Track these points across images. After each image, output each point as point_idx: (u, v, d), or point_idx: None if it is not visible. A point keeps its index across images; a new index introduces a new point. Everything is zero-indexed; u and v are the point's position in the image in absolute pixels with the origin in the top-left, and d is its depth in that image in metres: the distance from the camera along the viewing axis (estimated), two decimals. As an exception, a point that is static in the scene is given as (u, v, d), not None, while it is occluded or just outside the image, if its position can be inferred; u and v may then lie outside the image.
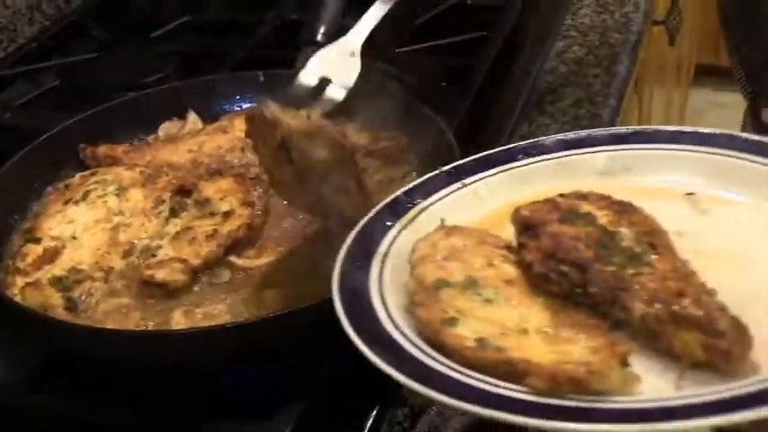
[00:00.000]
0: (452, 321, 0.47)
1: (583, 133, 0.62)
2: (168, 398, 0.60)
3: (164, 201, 0.72)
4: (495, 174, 0.60)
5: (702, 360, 0.44)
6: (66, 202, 0.72)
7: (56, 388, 0.63)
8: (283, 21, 1.05)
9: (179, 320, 0.61)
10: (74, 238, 0.69)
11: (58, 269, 0.66)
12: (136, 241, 0.69)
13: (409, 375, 0.43)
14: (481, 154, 0.62)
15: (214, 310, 0.62)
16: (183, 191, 0.73)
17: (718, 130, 0.60)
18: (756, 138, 0.59)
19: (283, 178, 0.64)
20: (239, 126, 0.79)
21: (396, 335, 0.47)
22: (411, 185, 0.59)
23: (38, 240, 0.68)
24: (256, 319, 0.60)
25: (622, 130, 0.63)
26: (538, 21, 1.07)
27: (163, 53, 1.02)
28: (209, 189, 0.72)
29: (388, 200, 0.57)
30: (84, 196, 0.72)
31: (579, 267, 0.48)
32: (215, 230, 0.67)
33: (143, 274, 0.65)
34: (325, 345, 0.55)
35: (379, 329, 0.47)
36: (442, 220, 0.55)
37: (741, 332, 0.44)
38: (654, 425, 0.40)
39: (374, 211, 0.56)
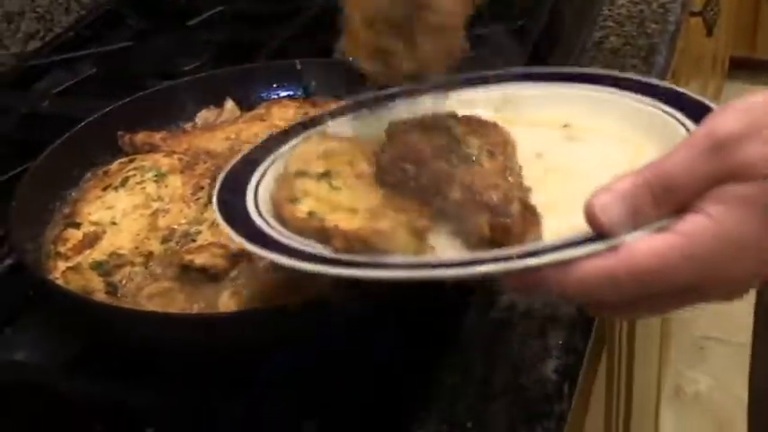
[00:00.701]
0: (295, 200, 0.56)
1: (490, 72, 0.68)
2: (208, 381, 0.60)
3: (202, 187, 0.72)
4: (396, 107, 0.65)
5: (488, 237, 0.51)
6: (106, 188, 0.72)
7: (97, 371, 0.63)
8: (320, 9, 1.05)
9: (227, 303, 0.61)
10: (113, 223, 0.69)
11: (98, 254, 0.66)
12: (175, 226, 0.69)
13: (246, 237, 0.53)
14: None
15: (260, 293, 0.62)
16: (221, 178, 0.73)
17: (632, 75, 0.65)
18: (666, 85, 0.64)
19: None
20: (277, 114, 0.80)
21: (252, 213, 0.57)
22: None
23: (78, 225, 0.69)
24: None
25: (533, 70, 0.70)
26: (574, 11, 1.07)
27: (198, 42, 1.03)
28: (247, 176, 0.72)
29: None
30: (123, 182, 0.72)
31: (416, 163, 0.56)
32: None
33: (183, 258, 0.65)
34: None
35: (242, 210, 0.57)
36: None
37: (530, 213, 0.51)
38: (410, 272, 0.49)
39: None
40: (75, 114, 0.82)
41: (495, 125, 0.61)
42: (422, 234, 0.52)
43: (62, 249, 0.67)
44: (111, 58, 1.03)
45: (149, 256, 0.67)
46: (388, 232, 0.51)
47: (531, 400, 0.62)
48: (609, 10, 1.09)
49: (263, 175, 0.62)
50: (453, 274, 0.48)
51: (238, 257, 0.65)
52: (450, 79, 0.62)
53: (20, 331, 0.68)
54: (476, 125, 0.61)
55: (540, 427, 0.60)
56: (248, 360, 0.60)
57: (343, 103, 0.70)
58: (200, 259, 0.65)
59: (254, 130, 0.79)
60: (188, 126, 0.82)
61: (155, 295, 0.64)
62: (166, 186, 0.72)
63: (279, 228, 0.55)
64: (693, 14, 1.25)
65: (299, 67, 0.84)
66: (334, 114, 0.68)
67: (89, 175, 0.76)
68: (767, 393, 1.08)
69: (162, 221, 0.69)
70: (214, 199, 0.58)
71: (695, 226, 0.46)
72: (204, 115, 0.82)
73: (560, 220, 0.51)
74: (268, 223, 0.55)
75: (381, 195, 0.57)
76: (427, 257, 0.52)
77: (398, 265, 0.50)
